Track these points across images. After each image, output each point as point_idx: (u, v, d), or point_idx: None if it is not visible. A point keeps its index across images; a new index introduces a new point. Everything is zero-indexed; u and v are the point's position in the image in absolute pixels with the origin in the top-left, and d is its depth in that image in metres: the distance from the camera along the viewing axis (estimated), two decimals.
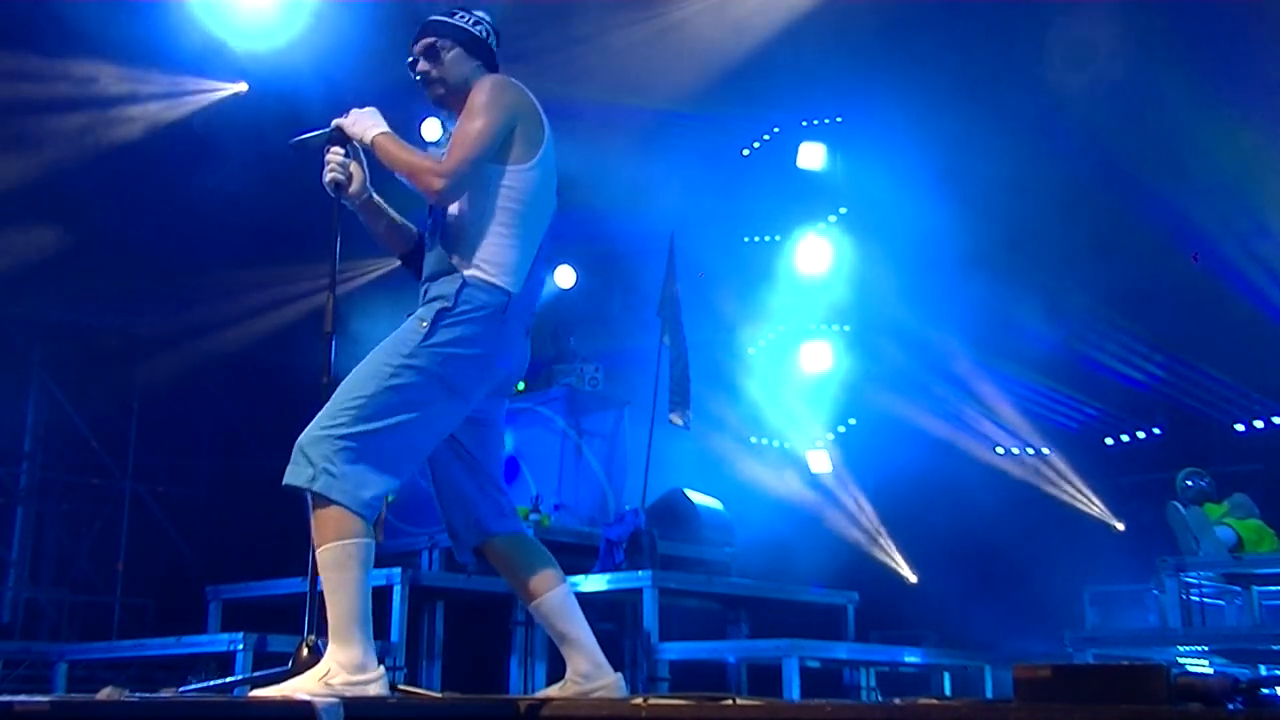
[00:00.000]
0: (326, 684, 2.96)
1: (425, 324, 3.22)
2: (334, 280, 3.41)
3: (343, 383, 3.21)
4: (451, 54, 3.48)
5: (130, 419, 9.91)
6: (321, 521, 3.08)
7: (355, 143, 3.42)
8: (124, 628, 9.33)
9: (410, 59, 3.52)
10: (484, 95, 3.35)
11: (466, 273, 3.28)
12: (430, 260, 3.39)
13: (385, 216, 3.56)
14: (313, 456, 3.08)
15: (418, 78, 3.52)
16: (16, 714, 2.17)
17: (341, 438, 3.09)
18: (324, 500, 3.07)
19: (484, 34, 3.53)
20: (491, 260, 3.30)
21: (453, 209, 3.37)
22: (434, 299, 3.27)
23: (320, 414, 3.16)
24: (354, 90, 6.72)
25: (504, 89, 3.38)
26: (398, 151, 3.35)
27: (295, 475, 3.09)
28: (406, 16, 7.75)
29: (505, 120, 3.34)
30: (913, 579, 11.19)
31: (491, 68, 3.53)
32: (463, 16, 3.53)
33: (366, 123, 3.41)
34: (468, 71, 3.48)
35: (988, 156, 9.41)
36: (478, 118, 3.31)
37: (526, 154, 3.37)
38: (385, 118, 3.46)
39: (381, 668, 3.06)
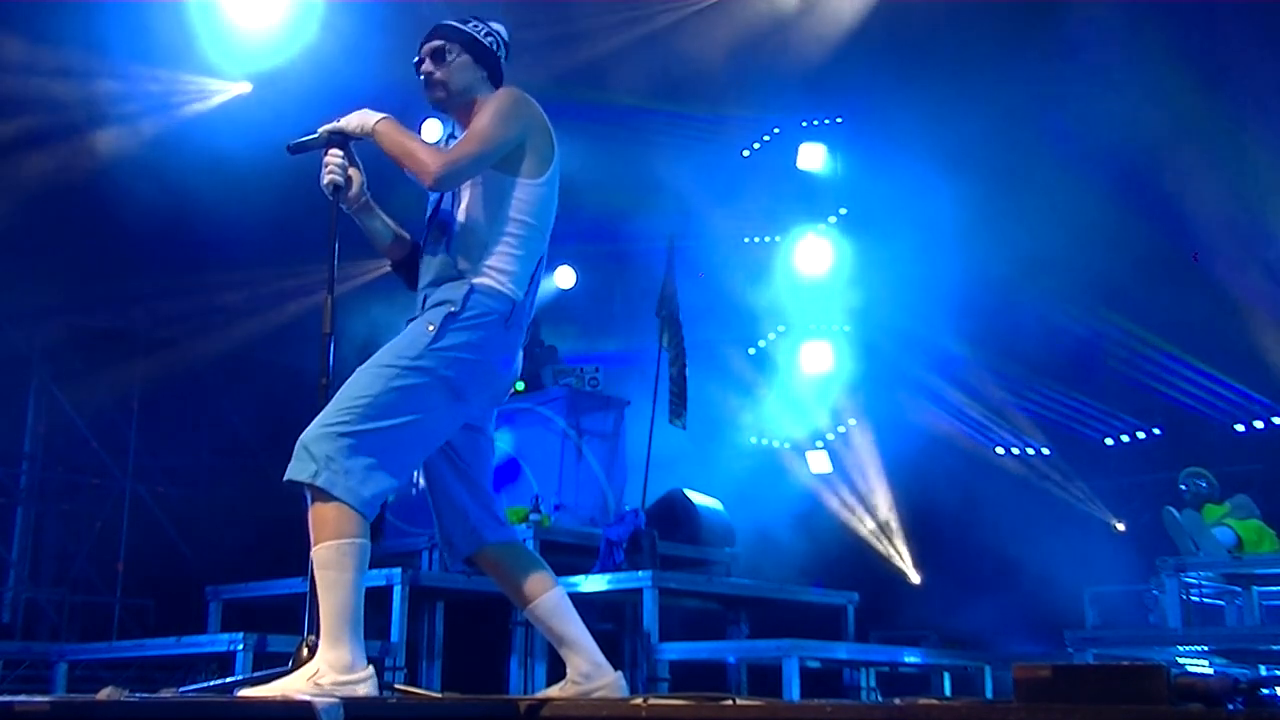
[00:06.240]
0: (316, 683, 2.96)
1: (433, 327, 3.24)
2: (333, 281, 3.41)
3: (347, 382, 3.21)
4: (458, 60, 3.50)
5: (130, 419, 9.91)
6: (320, 519, 3.08)
7: (356, 135, 3.41)
8: (124, 628, 9.32)
9: (417, 58, 3.54)
10: (501, 103, 3.40)
11: (475, 280, 3.32)
12: (432, 266, 3.40)
13: (381, 222, 3.56)
14: (315, 452, 3.08)
15: (421, 77, 3.54)
16: (16, 714, 2.17)
17: (344, 435, 3.10)
18: (325, 496, 3.07)
19: (493, 45, 3.57)
20: (499, 268, 3.34)
21: (461, 217, 3.39)
22: (440, 303, 3.29)
23: (323, 412, 3.16)
24: (357, 90, 6.71)
25: (521, 102, 3.42)
26: (398, 136, 3.35)
27: (297, 471, 3.09)
28: (411, 18, 7.78)
29: (517, 131, 3.37)
30: (915, 579, 11.20)
31: (497, 78, 3.57)
32: (475, 26, 3.57)
33: (365, 116, 3.42)
34: (471, 80, 3.51)
35: (988, 157, 9.41)
36: (490, 121, 3.35)
37: (538, 169, 3.42)
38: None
39: (370, 668, 3.06)
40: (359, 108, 3.46)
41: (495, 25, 3.62)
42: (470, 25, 3.56)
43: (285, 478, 3.10)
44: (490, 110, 3.38)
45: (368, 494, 3.10)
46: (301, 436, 3.12)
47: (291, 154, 3.51)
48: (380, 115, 3.40)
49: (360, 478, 3.08)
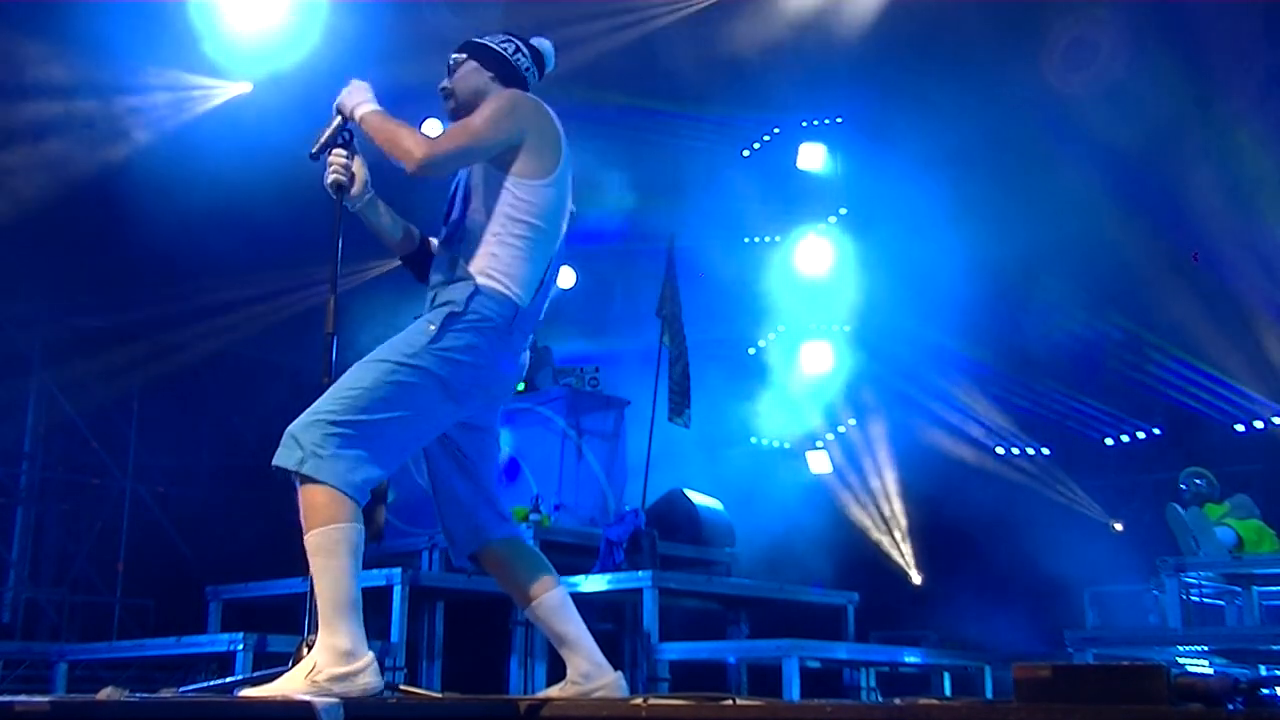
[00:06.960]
0: (313, 681, 2.93)
1: (434, 327, 3.23)
2: (335, 280, 3.41)
3: (342, 376, 3.22)
4: (465, 68, 3.52)
5: (130, 419, 9.92)
6: (310, 505, 3.07)
7: (346, 115, 3.39)
8: (124, 628, 9.32)
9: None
10: (497, 101, 3.38)
11: (480, 281, 3.30)
12: (441, 265, 3.40)
13: (387, 218, 3.56)
14: (302, 440, 3.07)
15: (441, 94, 3.56)
16: (16, 714, 2.17)
17: (332, 423, 3.09)
18: (312, 483, 3.06)
19: (509, 51, 3.56)
20: (504, 271, 3.32)
21: (470, 218, 3.38)
22: (444, 304, 3.28)
23: (315, 402, 3.16)
24: None
25: (520, 103, 3.40)
26: (381, 123, 3.34)
27: (284, 458, 3.08)
28: (412, 20, 7.77)
29: (510, 130, 3.34)
30: (915, 579, 11.20)
31: (509, 82, 3.54)
32: (493, 38, 3.59)
33: (358, 96, 3.41)
34: (477, 84, 3.51)
35: (988, 156, 9.41)
36: (483, 117, 3.33)
37: (542, 170, 3.38)
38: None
39: (370, 655, 3.02)
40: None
41: (536, 41, 3.65)
42: (488, 38, 3.58)
43: (273, 464, 3.09)
44: (486, 107, 3.36)
45: (356, 479, 3.08)
46: (291, 425, 3.12)
47: (314, 160, 3.46)
48: (369, 105, 3.38)
49: (348, 464, 3.07)
